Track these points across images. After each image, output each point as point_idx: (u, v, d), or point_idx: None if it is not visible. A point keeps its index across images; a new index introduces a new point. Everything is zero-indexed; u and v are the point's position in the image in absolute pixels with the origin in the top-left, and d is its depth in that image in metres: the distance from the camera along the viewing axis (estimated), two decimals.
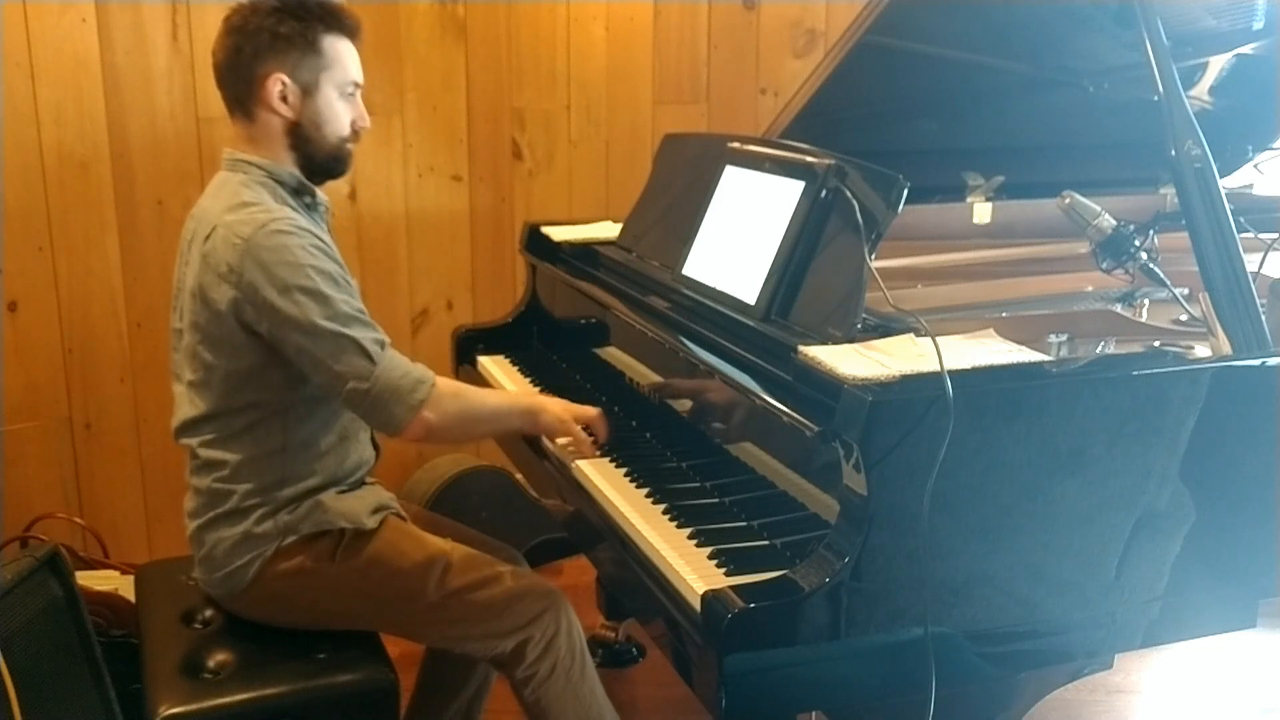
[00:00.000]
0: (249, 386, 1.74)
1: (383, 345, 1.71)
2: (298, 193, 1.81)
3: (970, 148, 2.34)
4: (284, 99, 1.75)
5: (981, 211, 2.41)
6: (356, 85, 1.82)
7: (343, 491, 1.85)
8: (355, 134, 1.84)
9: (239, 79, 1.76)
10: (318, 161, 1.82)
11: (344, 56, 1.79)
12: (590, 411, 1.90)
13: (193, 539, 1.83)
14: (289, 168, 1.80)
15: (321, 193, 1.86)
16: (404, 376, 1.71)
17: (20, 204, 2.73)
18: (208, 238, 1.71)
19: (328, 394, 1.75)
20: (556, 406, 1.89)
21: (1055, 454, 1.43)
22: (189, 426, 1.80)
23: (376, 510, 1.85)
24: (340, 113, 1.81)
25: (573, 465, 1.86)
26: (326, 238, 1.78)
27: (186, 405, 1.79)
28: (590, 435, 1.89)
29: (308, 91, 1.77)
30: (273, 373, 1.73)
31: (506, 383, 2.33)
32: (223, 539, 1.78)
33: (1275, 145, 2.40)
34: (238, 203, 1.72)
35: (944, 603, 1.41)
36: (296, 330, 1.66)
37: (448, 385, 1.78)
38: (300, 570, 1.79)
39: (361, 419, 1.80)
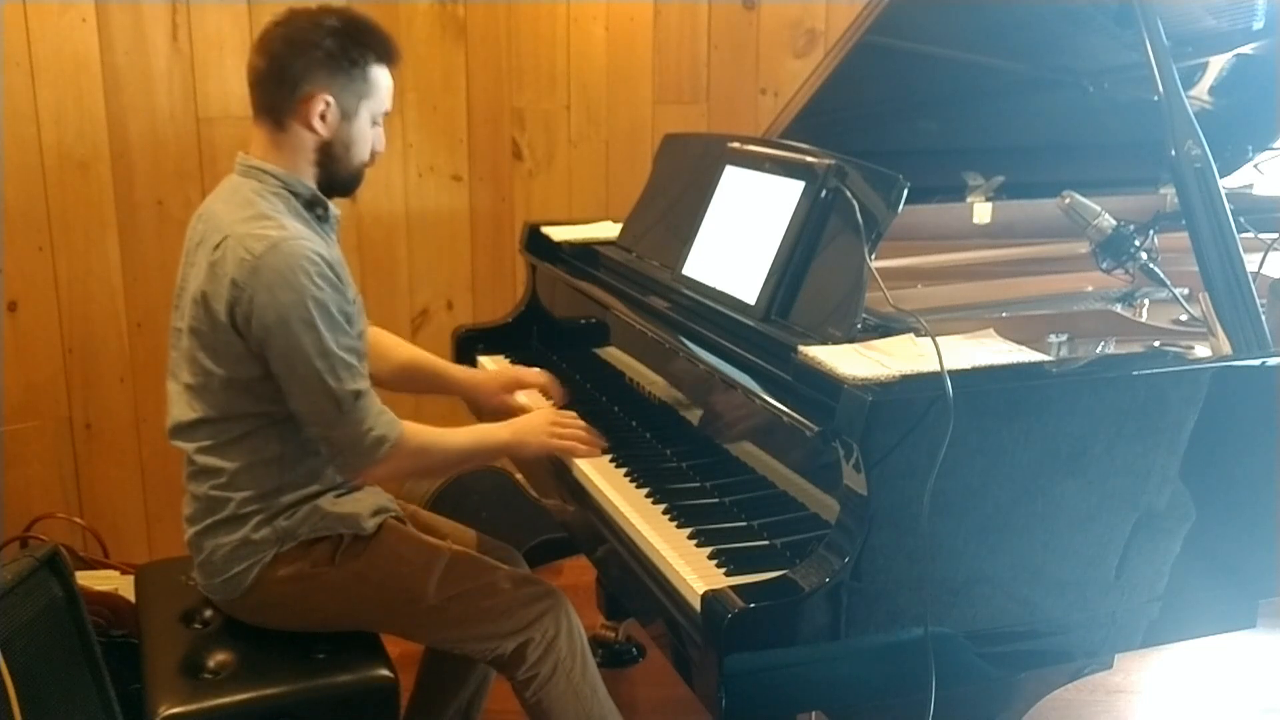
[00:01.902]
0: (247, 395, 1.73)
1: (358, 395, 1.69)
2: (310, 205, 1.79)
3: (970, 148, 2.34)
4: (323, 118, 1.74)
5: (981, 211, 2.41)
6: (386, 114, 1.83)
7: (341, 495, 1.85)
8: (372, 157, 1.84)
9: (281, 89, 1.73)
10: (338, 180, 1.82)
11: (384, 87, 1.79)
12: (574, 423, 1.91)
13: (191, 544, 1.83)
14: (306, 180, 1.78)
15: (333, 205, 1.85)
16: (367, 433, 1.70)
17: (20, 204, 2.73)
18: (217, 246, 1.69)
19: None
20: (537, 435, 1.89)
21: (1055, 454, 1.43)
22: (184, 429, 1.79)
23: (375, 513, 1.85)
24: (368, 138, 1.80)
25: (573, 465, 1.86)
26: (336, 256, 1.76)
27: (183, 407, 1.79)
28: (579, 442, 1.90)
29: (346, 115, 1.75)
30: (271, 383, 1.72)
31: None
32: (220, 545, 1.78)
33: (1275, 145, 2.40)
34: (252, 214, 1.70)
35: (944, 603, 1.41)
36: (280, 357, 1.67)
37: (413, 441, 1.76)
38: (299, 576, 1.78)
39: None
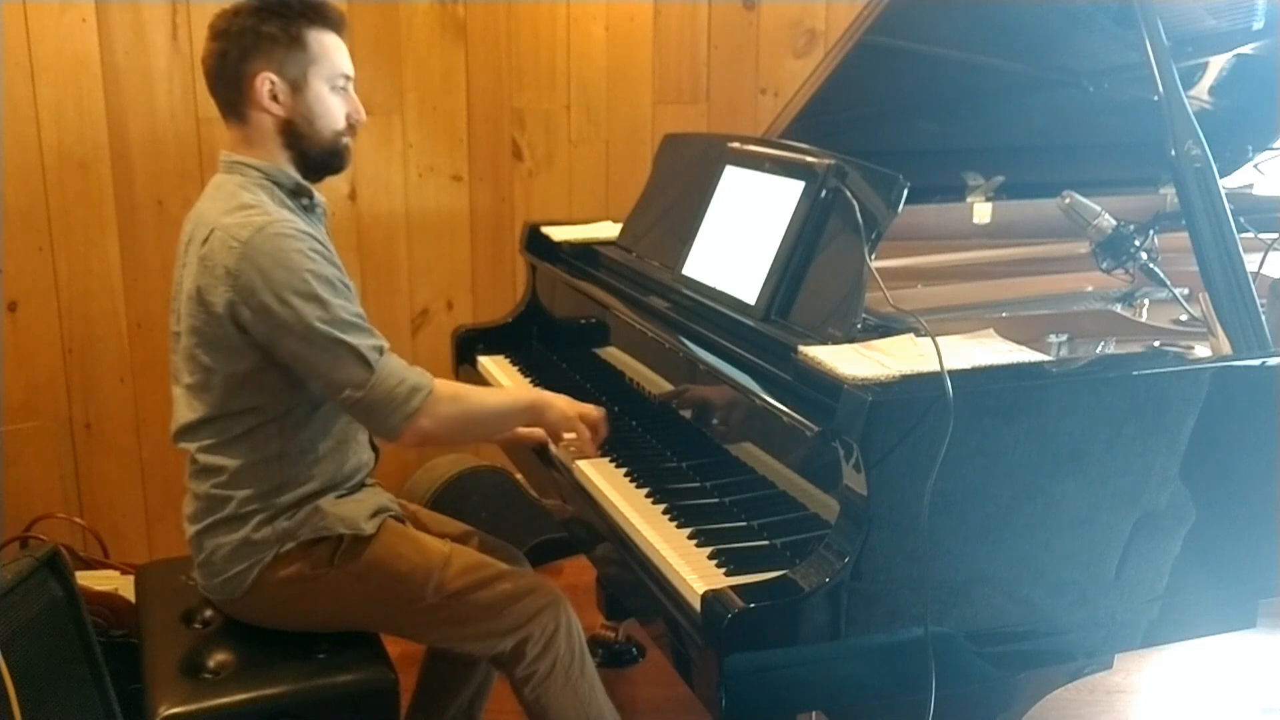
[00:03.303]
0: (246, 390, 1.73)
1: (380, 351, 1.69)
2: (295, 194, 1.80)
3: (970, 148, 2.34)
4: (274, 97, 1.75)
5: (981, 211, 2.41)
6: (347, 78, 1.81)
7: (341, 496, 1.84)
8: (351, 128, 1.83)
9: (228, 82, 1.76)
10: (313, 157, 1.81)
11: (330, 49, 1.78)
12: (594, 411, 1.90)
13: (191, 543, 1.83)
14: (286, 168, 1.80)
15: (319, 194, 1.85)
16: (400, 384, 1.69)
17: (20, 204, 2.73)
18: (205, 240, 1.70)
19: (324, 399, 1.75)
20: (562, 402, 1.88)
21: (1055, 454, 1.43)
22: (187, 430, 1.79)
23: (375, 514, 1.85)
24: (333, 106, 1.80)
25: (574, 465, 1.86)
26: (325, 240, 1.77)
27: (184, 408, 1.79)
28: (590, 434, 1.88)
29: (296, 87, 1.76)
30: (270, 377, 1.72)
31: (506, 383, 2.33)
32: (221, 545, 1.78)
33: (1275, 145, 2.40)
34: (236, 205, 1.72)
35: (944, 603, 1.41)
36: (292, 336, 1.66)
37: (446, 389, 1.76)
38: (299, 576, 1.78)
39: (360, 424, 1.80)
